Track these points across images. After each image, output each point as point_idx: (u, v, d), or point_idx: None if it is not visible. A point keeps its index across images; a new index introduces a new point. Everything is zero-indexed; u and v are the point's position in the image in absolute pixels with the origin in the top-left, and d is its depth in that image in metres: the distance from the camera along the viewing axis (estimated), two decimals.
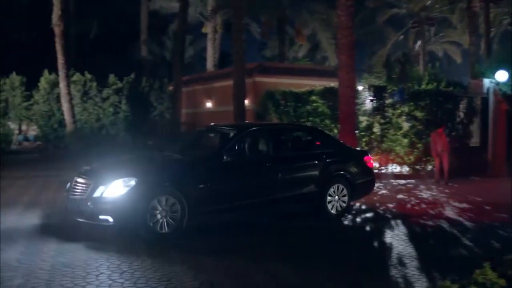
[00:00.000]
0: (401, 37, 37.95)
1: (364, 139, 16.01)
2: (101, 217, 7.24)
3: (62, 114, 23.11)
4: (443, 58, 40.01)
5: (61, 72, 21.93)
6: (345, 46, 14.48)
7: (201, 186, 7.80)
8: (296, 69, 26.55)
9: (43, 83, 24.34)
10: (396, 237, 7.93)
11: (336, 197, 9.24)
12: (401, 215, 9.82)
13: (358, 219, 9.53)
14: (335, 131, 16.71)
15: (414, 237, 8.03)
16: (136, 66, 34.93)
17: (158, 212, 7.33)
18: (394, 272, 6.16)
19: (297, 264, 6.39)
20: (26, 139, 26.36)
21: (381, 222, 9.25)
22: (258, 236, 7.97)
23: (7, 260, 6.12)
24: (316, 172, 9.13)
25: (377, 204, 10.94)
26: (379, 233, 8.30)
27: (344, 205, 9.32)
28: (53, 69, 23.55)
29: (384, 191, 12.83)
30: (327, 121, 17.17)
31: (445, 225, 9.03)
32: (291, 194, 8.78)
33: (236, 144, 8.72)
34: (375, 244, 7.83)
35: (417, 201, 11.53)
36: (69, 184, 7.98)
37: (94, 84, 24.82)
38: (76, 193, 7.69)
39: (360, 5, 28.85)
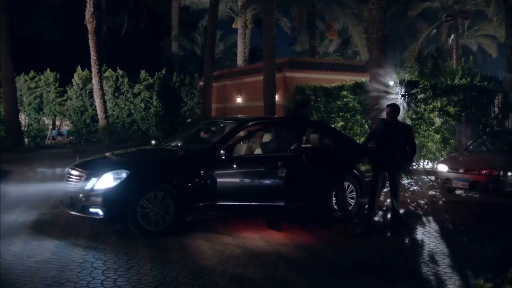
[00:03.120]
0: (434, 31, 37.32)
1: None
2: (91, 210, 7.06)
3: (94, 109, 23.47)
4: (478, 52, 39.21)
5: (94, 68, 22.26)
6: (377, 41, 14.27)
7: (196, 180, 7.49)
8: (327, 64, 26.36)
9: (76, 79, 24.73)
10: (427, 234, 7.79)
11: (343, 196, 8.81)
12: (432, 212, 9.65)
13: (388, 215, 9.36)
14: (366, 126, 16.54)
15: (445, 235, 7.88)
16: (167, 61, 35.31)
17: (149, 206, 7.08)
18: (425, 269, 6.05)
19: (299, 262, 6.33)
20: (60, 134, 26.85)
21: (411, 219, 9.09)
22: (253, 234, 7.62)
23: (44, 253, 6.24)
24: (322, 169, 8.60)
25: (408, 201, 10.77)
26: (410, 230, 8.17)
27: (353, 204, 8.88)
28: (86, 65, 23.91)
29: (415, 187, 12.63)
30: (358, 116, 16.99)
31: (478, 223, 8.84)
32: (294, 191, 8.27)
33: (235, 137, 8.39)
34: (407, 241, 7.71)
35: (450, 197, 11.32)
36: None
37: (126, 80, 25.10)
38: (70, 186, 7.53)
39: None
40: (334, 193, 8.73)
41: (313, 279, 5.65)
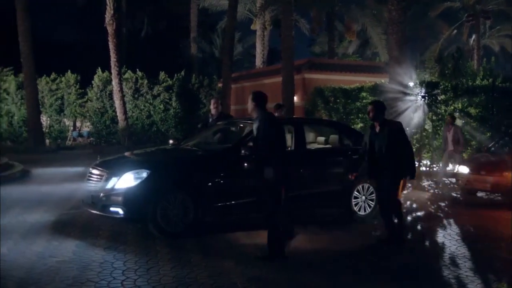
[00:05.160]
0: (455, 31, 36.88)
1: (415, 136, 15.68)
2: (112, 209, 7.10)
3: (114, 111, 23.66)
4: (500, 53, 38.66)
5: (114, 70, 22.44)
6: (396, 41, 14.21)
7: (216, 180, 7.48)
8: (346, 65, 26.27)
9: (96, 81, 24.97)
10: (448, 237, 7.71)
11: (363, 196, 8.77)
12: (453, 215, 9.55)
13: (408, 218, 9.29)
14: None
15: (466, 238, 7.78)
16: (186, 63, 35.44)
17: (169, 207, 7.08)
18: (446, 273, 5.99)
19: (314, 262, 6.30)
20: (80, 135, 27.13)
21: (432, 221, 9.01)
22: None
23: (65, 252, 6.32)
24: (340, 169, 8.65)
25: (428, 203, 10.67)
26: (431, 233, 8.09)
27: (372, 205, 8.79)
28: (106, 67, 24.12)
29: (435, 190, 12.51)
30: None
31: (499, 225, 8.72)
32: (312, 191, 8.30)
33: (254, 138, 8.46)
34: (427, 244, 7.63)
35: (471, 199, 11.19)
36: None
37: (145, 81, 25.27)
38: (91, 185, 7.59)
39: None
40: (353, 194, 8.69)
41: (330, 281, 5.63)
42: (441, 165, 13.69)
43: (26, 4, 21.80)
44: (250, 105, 6.48)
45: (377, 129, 7.11)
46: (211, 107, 10.57)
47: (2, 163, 13.77)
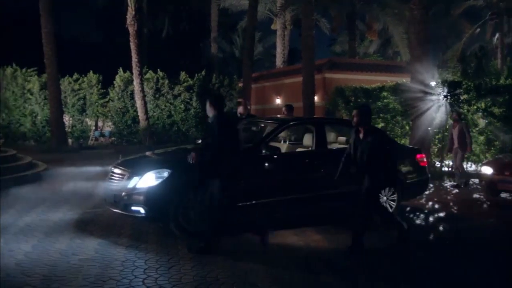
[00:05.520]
0: (478, 30, 36.41)
1: (437, 136, 15.53)
2: (133, 208, 7.12)
3: (135, 110, 23.84)
4: None
5: (135, 70, 22.61)
6: (418, 41, 14.09)
7: (238, 180, 7.35)
8: (367, 64, 26.13)
9: (118, 81, 25.18)
10: (470, 239, 7.62)
11: (384, 197, 8.67)
12: (477, 215, 9.43)
13: (431, 219, 9.20)
14: (407, 127, 16.30)
15: (490, 239, 7.68)
16: (207, 63, 35.55)
17: (190, 206, 7.09)
18: (464, 275, 5.92)
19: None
20: (102, 135, 27.38)
21: (454, 222, 8.91)
22: (294, 235, 7.64)
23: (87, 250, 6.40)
24: None
25: (451, 204, 10.56)
26: (453, 233, 8.00)
27: (394, 206, 8.73)
28: (128, 68, 24.32)
29: (457, 190, 12.37)
30: (398, 118, 16.79)
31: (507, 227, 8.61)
32: (333, 192, 8.19)
33: (275, 138, 8.43)
34: (449, 245, 7.55)
35: (494, 200, 11.04)
36: None
37: (166, 81, 25.41)
38: (113, 184, 7.65)
39: None
40: None
41: (350, 281, 5.62)
42: (452, 164, 13.56)
43: (49, 7, 22.10)
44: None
45: (361, 135, 6.82)
46: (241, 106, 10.74)
47: (26, 162, 13.97)
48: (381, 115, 17.10)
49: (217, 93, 6.91)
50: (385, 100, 17.14)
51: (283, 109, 11.55)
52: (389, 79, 19.60)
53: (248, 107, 10.69)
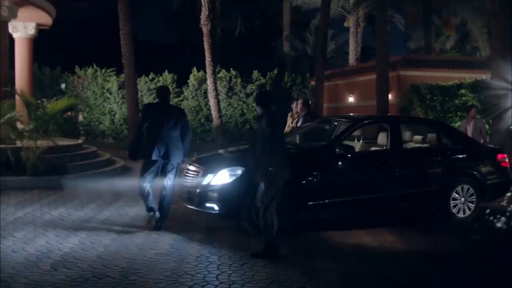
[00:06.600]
0: None
1: None
2: (207, 204, 7.23)
3: (208, 109, 24.27)
4: None
5: (208, 69, 23.00)
6: (500, 35, 13.50)
7: (309, 179, 7.45)
8: (444, 61, 25.27)
9: (192, 80, 25.71)
10: None
11: (462, 198, 8.42)
12: None
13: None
14: (487, 126, 15.65)
15: None
16: (279, 62, 35.54)
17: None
18: None
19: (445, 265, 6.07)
20: None
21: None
22: (365, 234, 7.49)
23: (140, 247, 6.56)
24: (439, 170, 8.46)
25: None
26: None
27: (472, 208, 8.48)
28: (201, 67, 24.78)
29: None
30: (478, 116, 16.13)
31: None
32: (409, 192, 8.08)
33: (349, 136, 8.35)
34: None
35: None
36: None
37: (239, 80, 25.68)
38: (187, 181, 7.78)
39: None
40: (452, 196, 8.37)
41: (420, 281, 5.52)
42: None
43: (127, 10, 22.86)
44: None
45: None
46: (298, 107, 10.90)
47: (106, 158, 14.55)
48: (458, 113, 16.54)
49: (263, 90, 7.02)
50: (463, 98, 16.57)
51: (297, 103, 11.86)
52: (467, 76, 18.89)
53: (311, 104, 10.72)
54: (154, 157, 7.28)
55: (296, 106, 11.99)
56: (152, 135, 7.33)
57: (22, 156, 11.43)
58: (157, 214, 7.47)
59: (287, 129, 11.78)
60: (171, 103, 25.99)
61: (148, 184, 7.48)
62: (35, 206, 8.87)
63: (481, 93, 15.64)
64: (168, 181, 7.40)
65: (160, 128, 7.26)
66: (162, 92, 7.69)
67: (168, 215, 7.54)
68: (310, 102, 11.57)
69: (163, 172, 7.47)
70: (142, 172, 7.55)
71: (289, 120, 12.03)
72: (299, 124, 11.12)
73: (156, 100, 7.78)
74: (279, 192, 6.22)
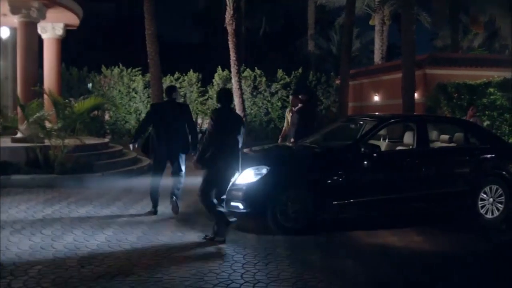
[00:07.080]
0: None
1: None
2: (232, 203, 7.22)
3: (233, 108, 24.33)
4: None
5: (233, 69, 23.04)
6: None
7: (335, 178, 7.41)
8: (471, 59, 24.89)
9: (216, 79, 25.83)
10: None
11: (491, 199, 8.26)
12: None
13: None
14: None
15: None
16: (303, 60, 35.49)
17: (288, 202, 7.12)
18: None
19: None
20: (201, 131, 28.17)
21: None
22: (390, 234, 7.39)
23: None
24: (466, 170, 8.32)
25: None
26: None
27: (501, 209, 8.31)
28: (226, 66, 24.85)
29: None
30: (506, 115, 15.88)
31: None
32: (435, 192, 7.99)
33: (374, 135, 8.28)
34: None
35: None
36: None
37: (263, 79, 25.70)
38: None
39: None
40: (480, 196, 8.25)
41: (443, 282, 5.47)
42: None
43: (153, 10, 23.05)
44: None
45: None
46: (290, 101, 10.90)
47: (131, 157, 14.69)
48: (487, 112, 16.27)
49: (223, 87, 7.26)
50: (491, 97, 16.29)
51: (291, 97, 11.73)
52: (496, 74, 18.57)
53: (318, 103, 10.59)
54: (162, 153, 8.12)
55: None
56: (160, 132, 8.06)
57: (50, 155, 11.62)
58: (174, 198, 8.19)
59: (285, 126, 11.58)
60: (196, 102, 26.21)
61: (159, 184, 8.38)
62: (63, 204, 9.01)
63: (510, 91, 15.39)
64: (179, 171, 8.31)
65: (167, 124, 7.95)
66: (168, 91, 8.39)
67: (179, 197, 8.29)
68: (306, 95, 10.74)
69: (173, 164, 8.29)
70: (153, 172, 8.53)
71: (288, 116, 11.60)
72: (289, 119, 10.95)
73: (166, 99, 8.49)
74: (214, 182, 6.69)
